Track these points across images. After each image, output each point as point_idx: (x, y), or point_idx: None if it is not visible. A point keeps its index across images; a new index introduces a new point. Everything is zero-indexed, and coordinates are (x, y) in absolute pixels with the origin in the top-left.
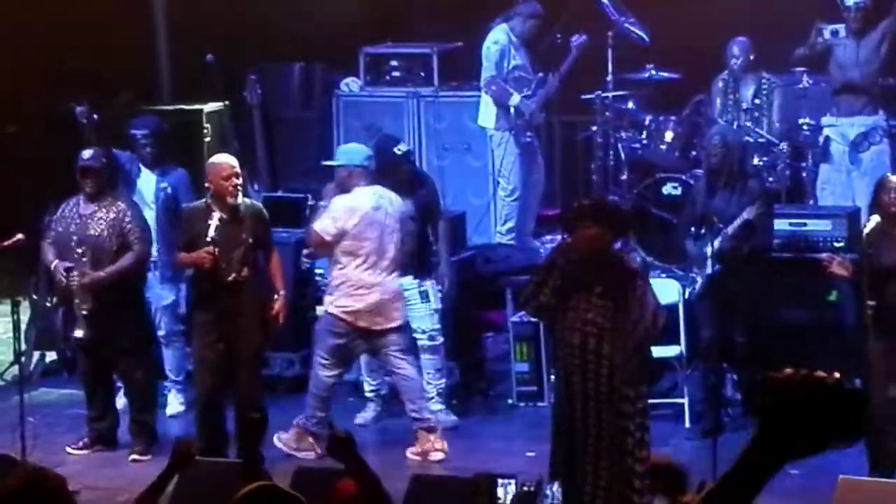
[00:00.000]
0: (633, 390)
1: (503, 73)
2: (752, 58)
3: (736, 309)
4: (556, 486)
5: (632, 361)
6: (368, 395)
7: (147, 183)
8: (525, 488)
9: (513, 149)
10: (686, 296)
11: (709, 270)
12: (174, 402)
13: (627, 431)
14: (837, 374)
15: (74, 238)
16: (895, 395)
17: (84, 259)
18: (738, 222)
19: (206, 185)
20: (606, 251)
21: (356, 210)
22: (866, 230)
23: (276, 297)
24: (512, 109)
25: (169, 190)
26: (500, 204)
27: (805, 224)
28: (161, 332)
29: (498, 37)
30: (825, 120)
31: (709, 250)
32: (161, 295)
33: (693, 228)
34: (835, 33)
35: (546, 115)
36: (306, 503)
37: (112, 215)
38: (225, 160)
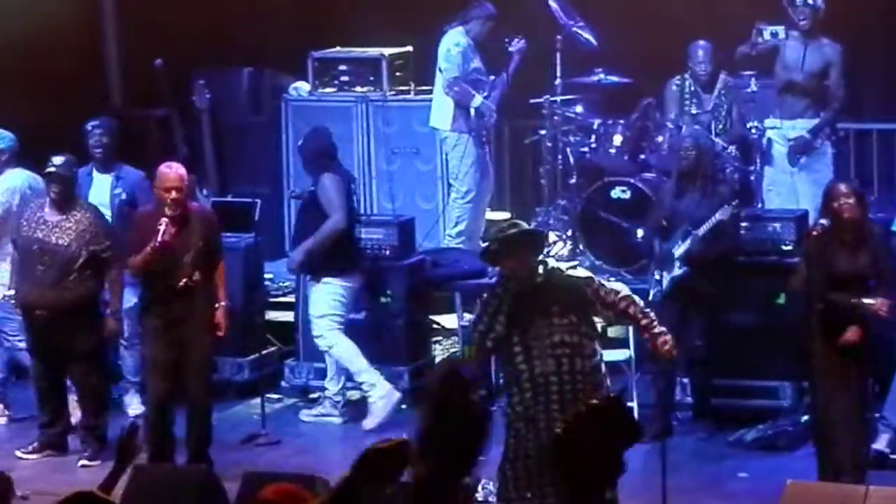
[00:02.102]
0: (598, 392)
1: (465, 75)
2: (716, 65)
3: (696, 312)
4: (491, 484)
5: (598, 365)
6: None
7: (99, 189)
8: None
9: (471, 151)
10: (650, 298)
11: (675, 272)
12: (134, 403)
13: None
14: (593, 400)
15: (37, 245)
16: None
17: (45, 267)
18: (710, 224)
19: (159, 193)
20: (537, 274)
21: (15, 190)
22: (816, 233)
23: (217, 306)
24: (473, 111)
25: (124, 195)
26: (452, 206)
27: (753, 227)
28: (124, 335)
29: (458, 39)
30: (768, 122)
31: (676, 252)
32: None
33: (660, 230)
34: (774, 34)
35: (497, 117)
36: None
37: (82, 227)
38: (169, 172)
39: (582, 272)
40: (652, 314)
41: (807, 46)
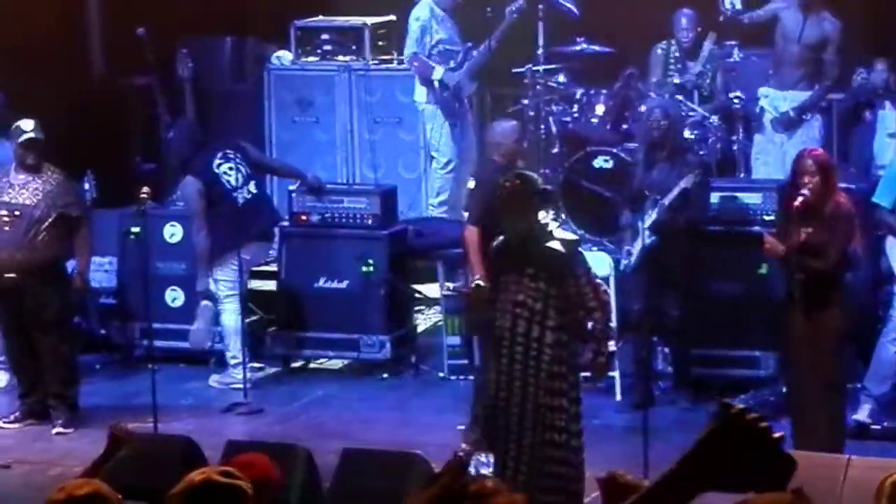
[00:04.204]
0: (564, 366)
1: (425, 48)
2: (699, 29)
3: (670, 282)
4: (490, 456)
5: (565, 342)
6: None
7: None
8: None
9: (443, 122)
10: (621, 268)
11: (644, 242)
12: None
13: (560, 409)
14: (780, 434)
15: (4, 208)
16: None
17: (13, 228)
18: (675, 191)
19: (499, 149)
20: (534, 228)
21: None
22: (797, 203)
23: None
24: (436, 83)
25: None
26: (434, 176)
27: (736, 197)
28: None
29: (419, 13)
30: (762, 90)
31: (645, 222)
32: None
33: (631, 203)
34: (733, 4)
35: (477, 85)
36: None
37: (49, 187)
38: (514, 122)
39: (595, 258)
40: (608, 341)
41: (806, 18)
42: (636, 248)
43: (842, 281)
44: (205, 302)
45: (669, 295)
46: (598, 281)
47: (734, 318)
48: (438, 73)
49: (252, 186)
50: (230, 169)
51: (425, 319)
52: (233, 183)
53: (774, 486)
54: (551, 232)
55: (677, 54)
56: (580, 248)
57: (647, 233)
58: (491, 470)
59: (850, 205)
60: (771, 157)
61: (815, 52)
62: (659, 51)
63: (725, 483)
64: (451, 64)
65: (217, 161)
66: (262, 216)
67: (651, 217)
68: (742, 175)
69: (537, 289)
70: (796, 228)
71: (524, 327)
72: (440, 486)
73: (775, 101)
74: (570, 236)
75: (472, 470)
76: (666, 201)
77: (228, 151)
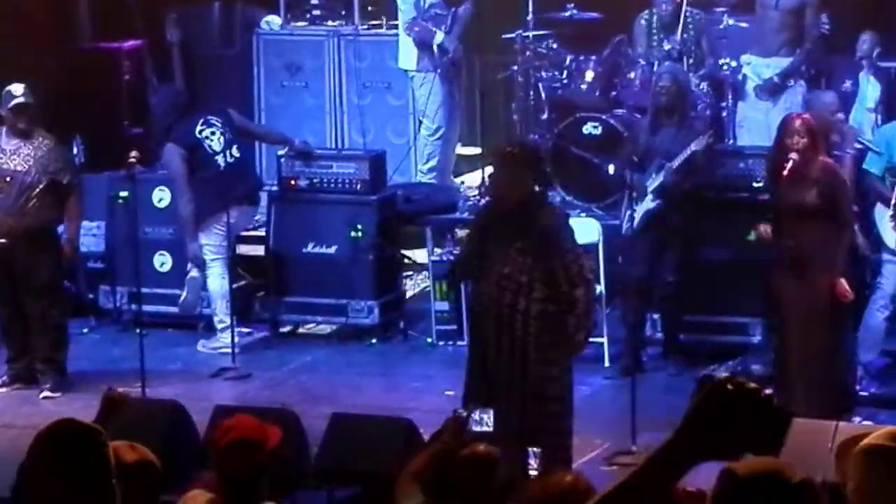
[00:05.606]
0: (552, 336)
1: (422, 12)
2: (677, 2)
3: (669, 246)
4: (488, 412)
5: (552, 312)
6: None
7: None
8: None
9: (438, 88)
10: (623, 232)
11: (649, 205)
12: None
13: (551, 378)
14: (769, 391)
15: None
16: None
17: (4, 195)
18: (684, 155)
19: None
20: (527, 198)
21: None
22: (786, 171)
23: None
24: (436, 48)
25: None
26: (423, 143)
27: (725, 163)
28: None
29: None
30: (744, 58)
31: (651, 186)
32: None
33: (632, 165)
34: None
35: (464, 49)
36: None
37: (40, 153)
38: (832, 92)
39: (584, 224)
40: (589, 318)
41: None
42: (639, 211)
43: (845, 246)
44: (192, 274)
45: (668, 259)
46: (583, 256)
47: (723, 285)
48: (439, 37)
49: (234, 151)
50: (212, 134)
51: (414, 285)
52: (214, 148)
53: (772, 443)
54: (542, 203)
55: (660, 24)
56: (568, 221)
57: (650, 196)
58: (489, 429)
59: (836, 167)
60: (755, 125)
61: (794, 18)
62: (642, 21)
63: (722, 450)
64: (444, 28)
65: (199, 127)
66: (245, 180)
67: (656, 180)
68: (731, 142)
69: (524, 262)
70: (785, 194)
71: (510, 299)
72: (441, 443)
73: (758, 68)
74: (557, 209)
75: (470, 428)
76: (674, 164)
77: (210, 117)
